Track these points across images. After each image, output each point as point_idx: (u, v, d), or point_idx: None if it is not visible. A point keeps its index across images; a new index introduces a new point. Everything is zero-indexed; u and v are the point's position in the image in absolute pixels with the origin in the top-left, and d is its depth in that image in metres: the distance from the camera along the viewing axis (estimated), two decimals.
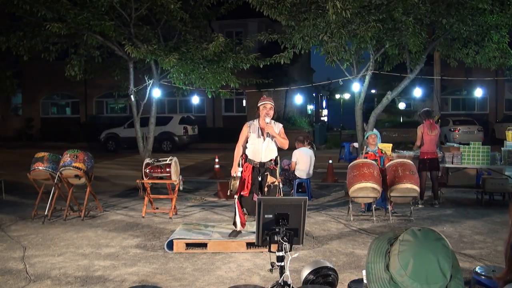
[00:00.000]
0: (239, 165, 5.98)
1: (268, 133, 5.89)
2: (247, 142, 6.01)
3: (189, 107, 26.58)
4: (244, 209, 5.97)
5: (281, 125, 6.11)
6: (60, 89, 27.42)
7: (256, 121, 6.01)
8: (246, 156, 5.97)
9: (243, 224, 6.00)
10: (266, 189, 5.85)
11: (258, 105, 6.00)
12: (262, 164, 5.91)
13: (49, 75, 23.56)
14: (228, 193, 6.10)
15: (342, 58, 9.81)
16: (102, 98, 27.27)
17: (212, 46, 9.20)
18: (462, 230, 6.89)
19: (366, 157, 7.90)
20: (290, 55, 9.73)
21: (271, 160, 5.96)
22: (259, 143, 5.91)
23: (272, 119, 5.96)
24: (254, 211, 5.94)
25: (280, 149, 6.13)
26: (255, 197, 5.80)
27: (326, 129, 28.49)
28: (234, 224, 6.08)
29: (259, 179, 5.86)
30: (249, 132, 5.97)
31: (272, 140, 5.94)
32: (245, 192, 5.85)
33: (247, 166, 5.92)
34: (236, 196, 5.94)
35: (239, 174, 5.93)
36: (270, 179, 5.88)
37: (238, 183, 5.85)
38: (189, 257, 5.64)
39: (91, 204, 8.34)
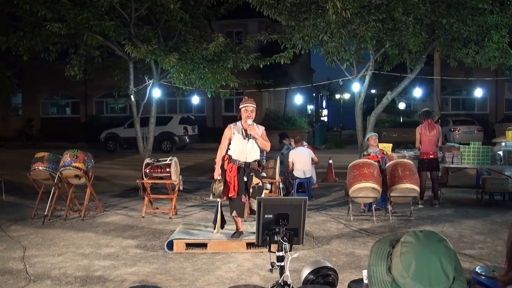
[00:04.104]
0: (221, 167, 5.96)
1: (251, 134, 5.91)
2: (229, 144, 6.00)
3: (189, 107, 26.57)
4: (234, 212, 5.97)
5: (263, 127, 6.11)
6: (60, 89, 27.41)
7: (239, 123, 6.00)
8: (230, 156, 5.94)
9: (221, 227, 6.08)
10: (251, 190, 5.84)
11: (240, 107, 5.99)
12: (247, 164, 5.89)
13: (49, 75, 23.52)
14: (211, 197, 6.06)
15: (342, 58, 9.81)
16: (102, 98, 27.26)
17: (212, 46, 9.20)
18: (462, 230, 6.89)
19: (366, 159, 7.88)
20: (290, 55, 9.72)
21: (255, 160, 5.96)
22: (244, 143, 5.90)
23: (254, 121, 5.93)
24: (243, 212, 5.99)
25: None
26: (244, 199, 5.83)
27: (326, 129, 28.48)
28: (214, 226, 6.13)
29: (245, 179, 5.86)
30: (233, 133, 5.96)
31: (255, 141, 5.94)
32: (232, 194, 5.85)
33: (231, 167, 5.90)
34: (219, 200, 5.94)
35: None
36: (255, 180, 5.87)
37: (221, 186, 5.82)
38: (189, 257, 5.64)
39: (91, 204, 8.34)
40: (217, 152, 6.01)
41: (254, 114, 5.91)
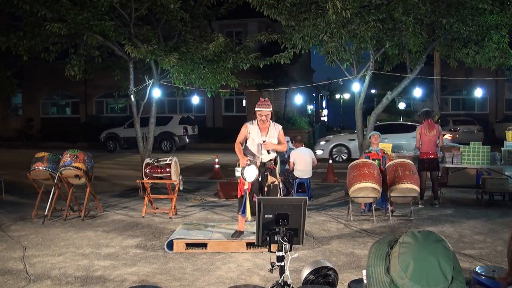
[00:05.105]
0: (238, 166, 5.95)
1: (267, 133, 5.91)
2: (245, 141, 6.00)
3: (189, 107, 26.58)
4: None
5: (280, 127, 6.09)
6: (60, 89, 27.41)
7: (255, 123, 5.99)
8: (246, 156, 5.96)
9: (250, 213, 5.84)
10: (266, 189, 5.85)
11: (255, 109, 5.94)
12: (262, 164, 5.91)
13: (49, 75, 23.55)
14: (246, 184, 5.76)
15: (342, 58, 9.80)
16: (102, 98, 27.27)
17: (212, 46, 9.20)
18: (462, 230, 6.89)
19: (368, 156, 7.91)
20: (290, 55, 9.72)
21: (270, 160, 5.96)
22: (259, 144, 5.91)
23: (271, 119, 5.94)
24: (254, 211, 5.96)
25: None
26: (255, 198, 5.80)
27: (326, 129, 28.50)
28: (243, 212, 5.92)
29: (259, 179, 5.86)
30: (249, 132, 5.96)
31: (272, 141, 5.94)
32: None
33: None
34: (246, 187, 5.79)
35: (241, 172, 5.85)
36: (270, 179, 5.88)
37: (257, 170, 5.67)
38: (189, 257, 5.64)
39: (91, 204, 8.33)
40: (235, 147, 5.94)
41: (269, 118, 5.88)
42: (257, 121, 5.95)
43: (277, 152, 6.10)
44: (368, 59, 9.92)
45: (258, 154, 5.91)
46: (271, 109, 5.91)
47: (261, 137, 5.90)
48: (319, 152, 15.53)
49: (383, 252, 1.27)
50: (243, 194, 5.89)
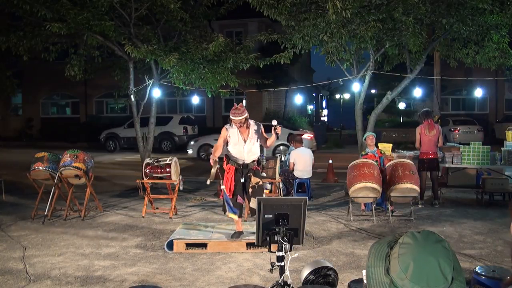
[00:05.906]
0: (221, 168, 5.95)
1: (248, 135, 5.90)
2: (226, 145, 5.99)
3: (189, 107, 26.59)
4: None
5: (261, 125, 6.10)
6: (60, 89, 27.43)
7: (234, 126, 5.92)
8: (228, 157, 5.96)
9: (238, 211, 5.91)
10: (250, 190, 5.84)
11: (230, 116, 5.83)
12: (245, 165, 5.90)
13: (49, 75, 23.56)
14: (208, 182, 5.95)
15: (342, 58, 9.81)
16: (102, 98, 27.29)
17: (212, 46, 9.21)
18: (462, 230, 6.89)
19: (365, 159, 7.89)
20: (290, 55, 9.73)
21: (253, 161, 5.96)
22: (241, 145, 5.90)
23: (250, 119, 5.97)
24: (240, 212, 5.98)
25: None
26: (239, 199, 5.83)
27: (326, 129, 28.50)
28: (224, 211, 6.07)
29: (242, 180, 5.85)
30: (229, 136, 5.94)
31: (254, 142, 5.92)
32: (228, 195, 5.85)
33: (229, 168, 5.92)
34: (222, 187, 5.87)
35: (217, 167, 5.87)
36: (254, 179, 5.87)
37: (214, 168, 5.79)
38: (189, 257, 5.64)
39: (91, 204, 8.34)
40: (213, 148, 5.99)
41: (243, 124, 5.83)
42: (238, 127, 5.90)
43: (262, 152, 6.13)
44: (368, 59, 9.92)
45: (240, 156, 5.90)
46: (244, 116, 5.77)
47: (242, 139, 5.90)
48: (189, 151, 17.55)
49: (383, 252, 1.27)
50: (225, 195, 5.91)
